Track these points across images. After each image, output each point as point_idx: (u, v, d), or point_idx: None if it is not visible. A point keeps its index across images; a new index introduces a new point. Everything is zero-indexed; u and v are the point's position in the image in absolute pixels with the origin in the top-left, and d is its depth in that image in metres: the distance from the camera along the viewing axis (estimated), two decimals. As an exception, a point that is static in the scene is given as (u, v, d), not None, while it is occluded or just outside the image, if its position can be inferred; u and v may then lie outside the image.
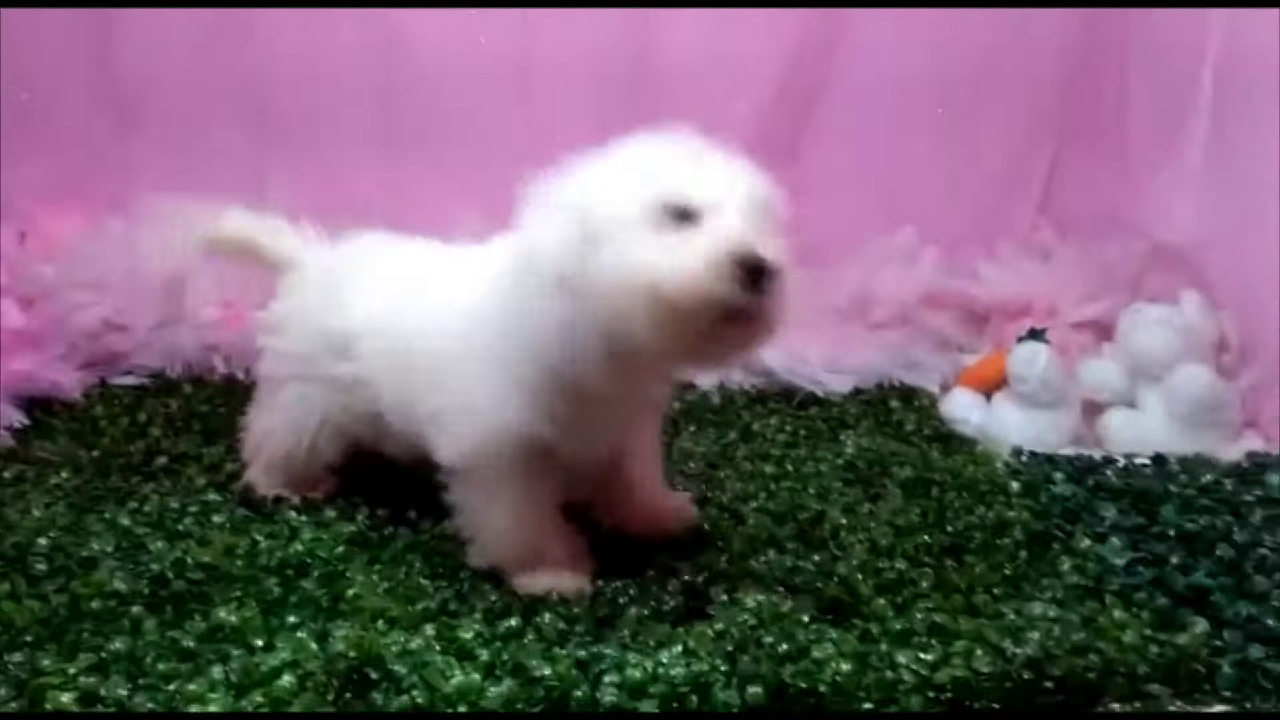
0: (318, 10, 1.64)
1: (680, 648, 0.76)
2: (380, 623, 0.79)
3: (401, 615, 0.81)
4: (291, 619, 0.81)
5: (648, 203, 0.79)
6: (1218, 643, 0.78)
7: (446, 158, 1.73)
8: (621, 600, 0.85)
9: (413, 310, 0.96)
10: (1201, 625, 0.78)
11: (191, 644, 0.78)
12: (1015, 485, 1.09)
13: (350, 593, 0.84)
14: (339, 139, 1.73)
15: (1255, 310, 1.31)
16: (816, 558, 0.93)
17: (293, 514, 1.00)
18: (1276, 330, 1.26)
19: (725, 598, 0.85)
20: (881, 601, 0.84)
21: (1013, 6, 1.65)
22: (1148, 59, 1.58)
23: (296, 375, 1.05)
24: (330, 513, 1.01)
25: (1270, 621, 0.79)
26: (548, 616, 0.81)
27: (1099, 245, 1.64)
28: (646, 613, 0.82)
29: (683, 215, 0.79)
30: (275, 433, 1.06)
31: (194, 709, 0.69)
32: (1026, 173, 1.75)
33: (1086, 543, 0.93)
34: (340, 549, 0.92)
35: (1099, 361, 1.38)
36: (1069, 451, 1.26)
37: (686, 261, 0.76)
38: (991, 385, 1.34)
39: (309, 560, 0.91)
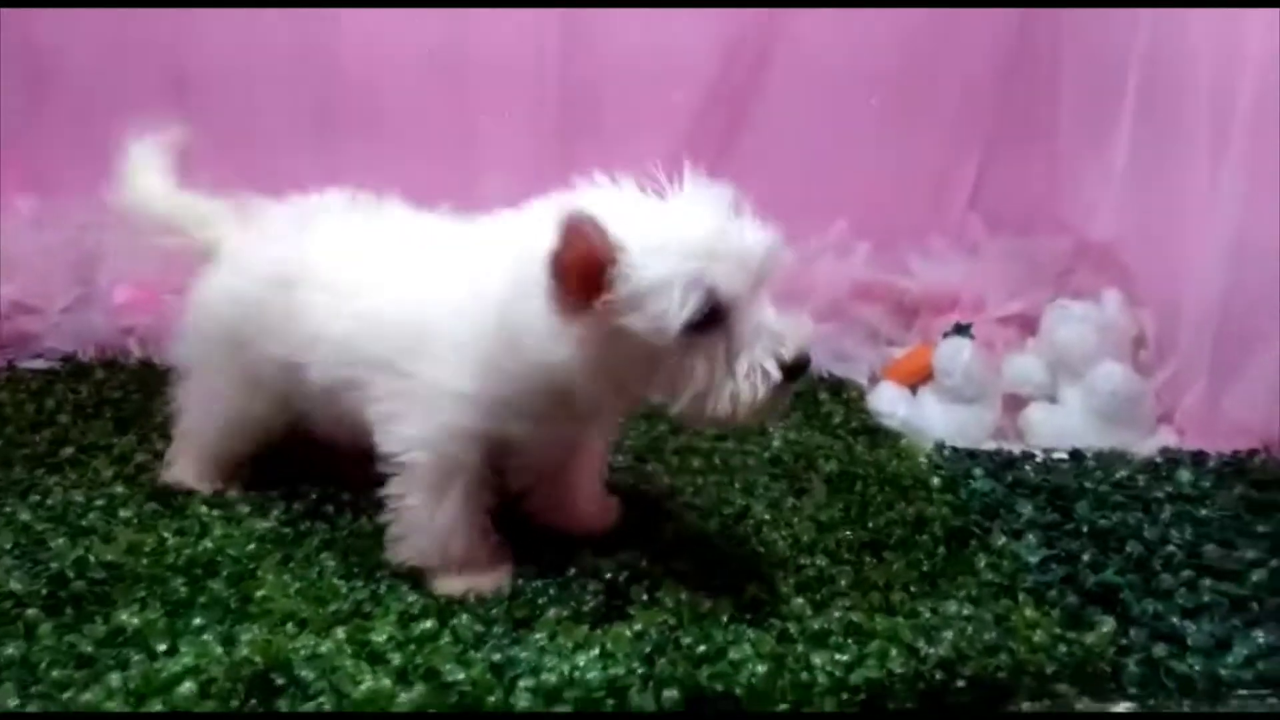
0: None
1: (597, 650, 0.75)
2: (290, 625, 0.78)
3: (312, 617, 0.79)
4: (197, 621, 0.79)
5: (686, 287, 0.74)
6: (1124, 641, 0.79)
7: (379, 156, 1.69)
8: (541, 601, 0.84)
9: (385, 282, 0.89)
10: (1109, 624, 0.79)
11: (90, 649, 0.75)
12: (936, 480, 1.10)
13: (260, 593, 0.82)
14: (267, 136, 1.67)
15: (1172, 308, 1.34)
16: (739, 555, 0.93)
17: (204, 509, 0.97)
18: (1192, 328, 1.29)
19: (646, 597, 0.85)
20: (800, 600, 0.84)
21: (945, 6, 1.66)
22: (1078, 59, 1.60)
23: (223, 350, 0.98)
24: (243, 508, 0.98)
25: (1175, 620, 0.81)
26: (464, 618, 0.80)
27: (1026, 241, 1.66)
28: (565, 614, 0.81)
29: (718, 310, 0.76)
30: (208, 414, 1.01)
31: None
32: (958, 169, 1.77)
33: (1002, 540, 0.95)
34: (252, 547, 0.90)
35: (1022, 356, 1.40)
36: (990, 446, 1.27)
37: (742, 389, 0.75)
38: (917, 379, 1.35)
39: (219, 559, 0.88)
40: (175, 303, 1.49)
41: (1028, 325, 1.51)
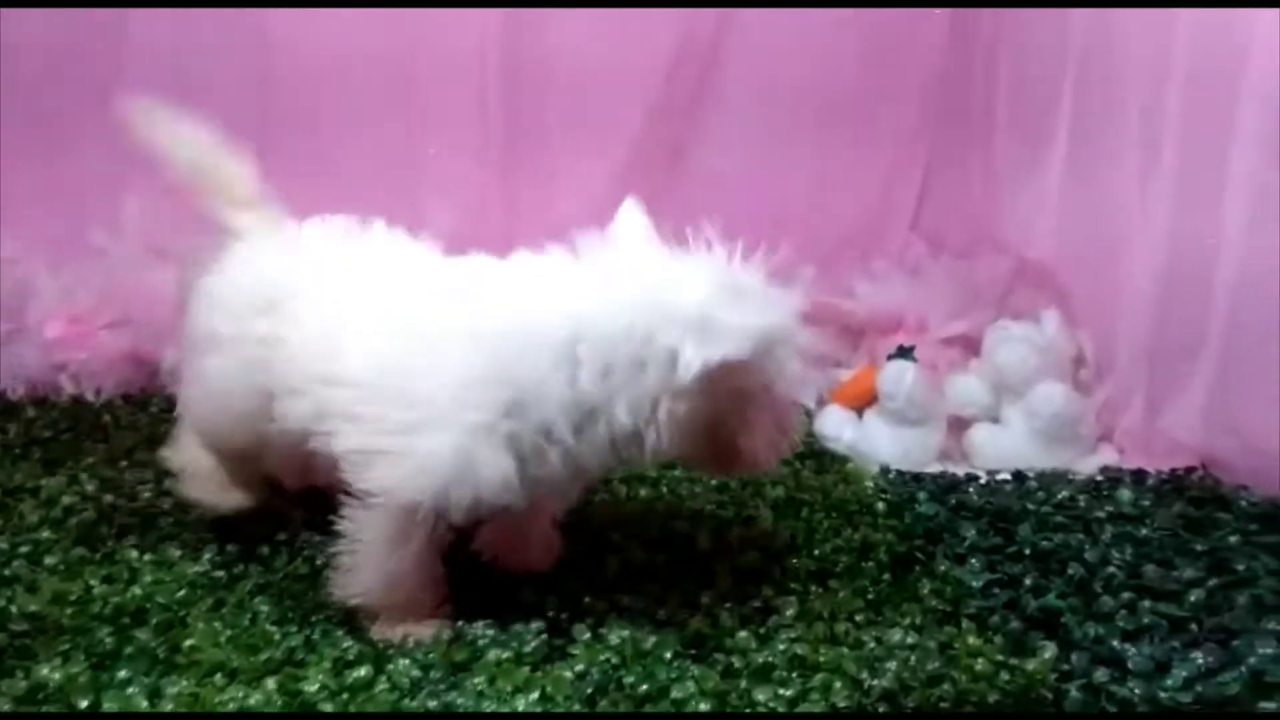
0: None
1: (538, 693, 0.74)
2: (219, 676, 0.75)
3: (243, 666, 0.76)
4: (122, 674, 0.76)
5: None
6: (1066, 666, 0.79)
7: (321, 164, 1.67)
8: (480, 643, 0.82)
9: (405, 317, 0.84)
10: (1050, 650, 0.80)
11: (7, 706, 0.72)
12: (881, 505, 1.10)
13: (188, 643, 0.79)
14: None
15: (1109, 327, 1.36)
16: (684, 587, 0.92)
17: (134, 554, 0.94)
18: (1127, 347, 1.31)
19: (589, 635, 0.83)
20: (745, 633, 0.83)
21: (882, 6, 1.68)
22: (1013, 79, 1.63)
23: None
24: (174, 550, 0.95)
25: (1115, 643, 0.81)
26: (401, 663, 0.78)
27: (968, 262, 1.68)
28: (505, 656, 0.80)
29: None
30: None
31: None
32: (899, 190, 1.79)
33: (945, 565, 0.95)
34: (182, 593, 0.87)
35: (965, 377, 1.41)
36: (935, 468, 1.28)
37: (760, 452, 0.82)
38: (863, 402, 1.36)
39: (147, 606, 0.85)
40: (109, 338, 1.47)
41: (970, 346, 1.52)
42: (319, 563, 0.96)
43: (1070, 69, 1.44)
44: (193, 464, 0.98)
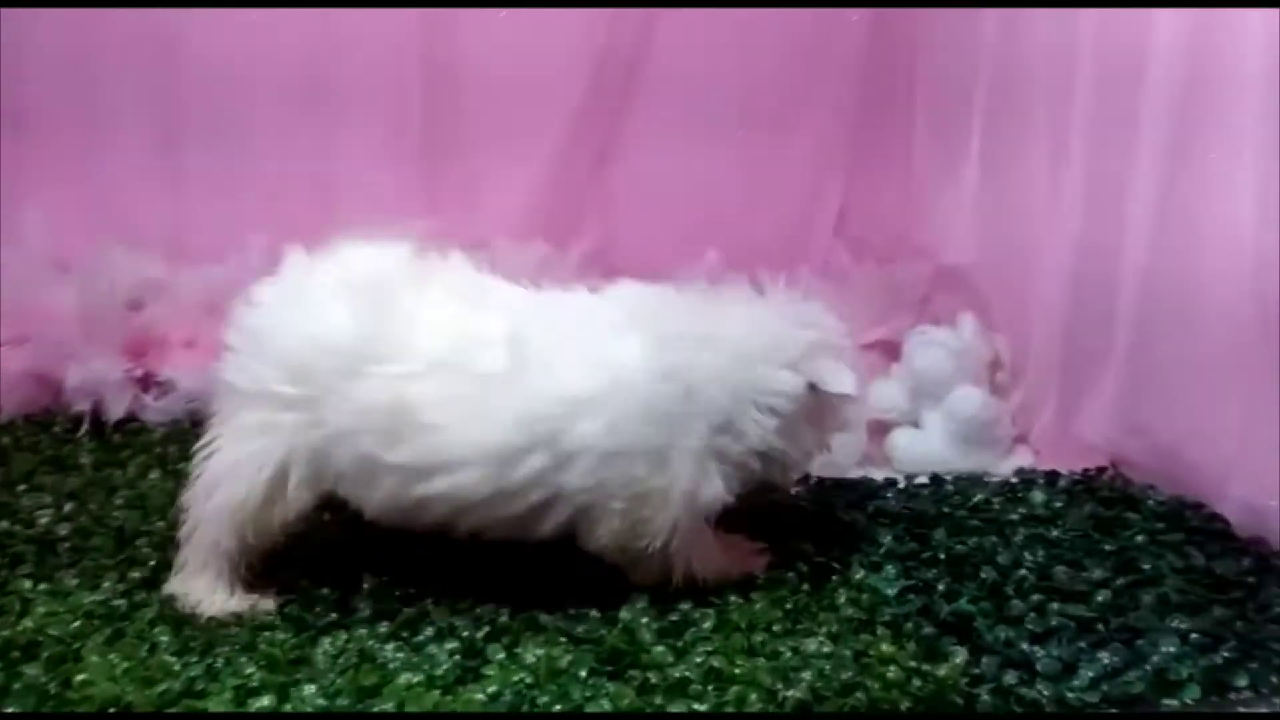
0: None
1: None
2: (111, 711, 0.72)
3: (138, 700, 0.74)
4: (10, 711, 0.72)
5: None
6: (977, 670, 0.80)
7: (231, 172, 1.63)
8: (392, 666, 0.80)
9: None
10: (961, 655, 0.80)
11: (-118, 752, 0.68)
12: (803, 515, 1.10)
13: (80, 678, 0.76)
14: (109, 150, 1.60)
15: (1023, 331, 1.38)
16: (603, 603, 0.91)
17: (27, 584, 0.90)
18: (1040, 350, 1.33)
19: (504, 655, 0.82)
20: (661, 648, 0.83)
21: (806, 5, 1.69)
22: (931, 86, 1.65)
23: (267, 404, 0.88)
24: (71, 580, 0.92)
25: (1024, 645, 0.82)
26: (307, 690, 0.76)
27: (889, 268, 1.70)
28: (417, 680, 0.78)
29: None
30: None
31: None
32: (822, 198, 1.80)
33: (862, 573, 0.95)
34: (77, 624, 0.84)
35: (886, 383, 1.42)
36: (857, 474, 1.29)
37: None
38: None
39: (39, 639, 0.82)
40: (9, 356, 1.41)
41: (891, 351, 1.54)
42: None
43: (982, 76, 1.46)
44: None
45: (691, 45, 1.71)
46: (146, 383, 1.50)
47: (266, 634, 0.86)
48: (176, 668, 0.79)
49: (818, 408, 0.92)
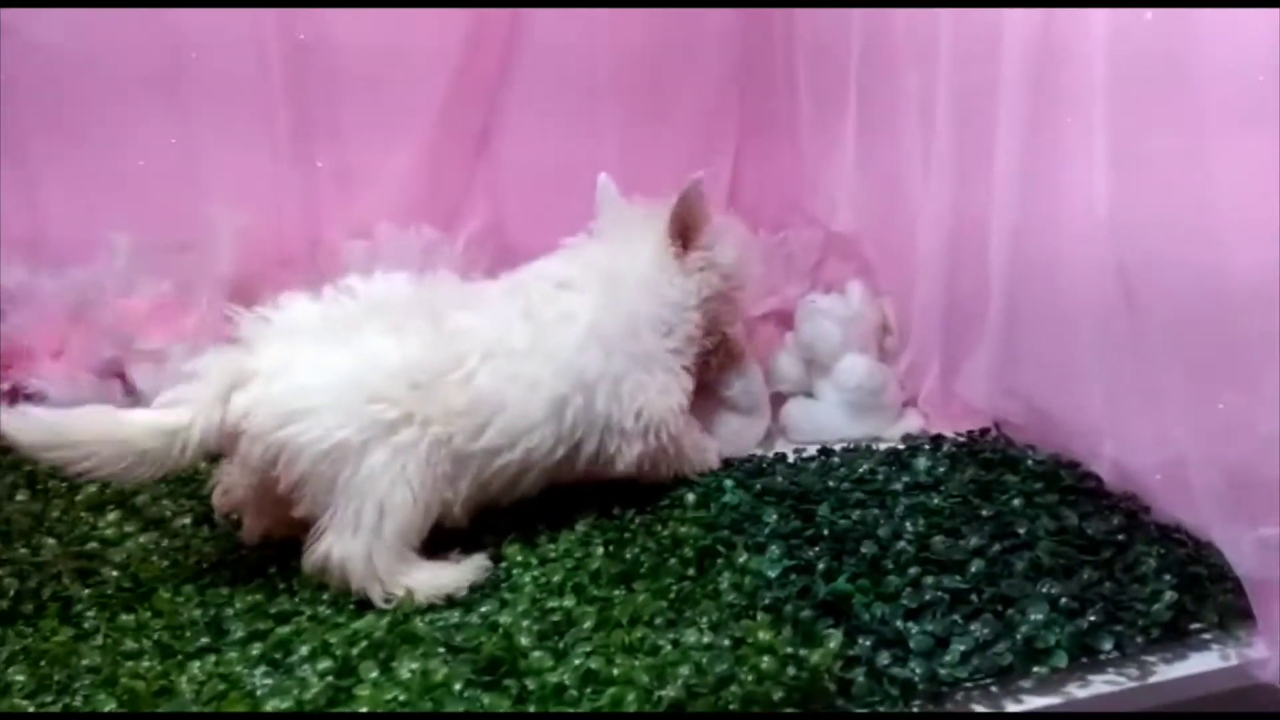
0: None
1: (313, 746, 0.70)
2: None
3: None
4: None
5: None
6: (853, 652, 0.80)
7: (88, 168, 1.55)
8: (260, 692, 0.78)
9: None
10: (836, 638, 0.81)
11: None
12: (691, 497, 1.10)
13: (-81, 736, 0.72)
14: None
15: (908, 294, 1.39)
16: (484, 608, 0.90)
17: None
18: (922, 313, 1.35)
19: (377, 672, 0.80)
20: (539, 653, 0.81)
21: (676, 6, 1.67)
22: (808, 54, 1.64)
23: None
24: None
25: (899, 623, 0.83)
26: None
27: (782, 235, 1.70)
28: (285, 706, 0.75)
29: None
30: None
31: None
32: (714, 166, 1.78)
33: (746, 555, 0.95)
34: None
35: (780, 355, 1.43)
36: (755, 451, 1.30)
37: None
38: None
39: None
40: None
41: (786, 321, 1.54)
42: (88, 623, 0.89)
43: (855, 45, 1.45)
44: None
45: (565, 19, 1.67)
46: (13, 397, 1.43)
47: (130, 664, 0.83)
48: (30, 709, 0.75)
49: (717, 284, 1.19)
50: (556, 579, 0.94)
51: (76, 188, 1.56)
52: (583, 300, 1.09)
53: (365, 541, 0.92)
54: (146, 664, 0.83)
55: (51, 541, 1.06)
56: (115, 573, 0.99)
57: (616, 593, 0.92)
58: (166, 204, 1.56)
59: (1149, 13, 0.92)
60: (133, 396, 1.43)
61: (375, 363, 0.96)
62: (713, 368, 1.26)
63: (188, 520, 1.11)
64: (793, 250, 1.67)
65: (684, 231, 1.18)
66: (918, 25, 1.27)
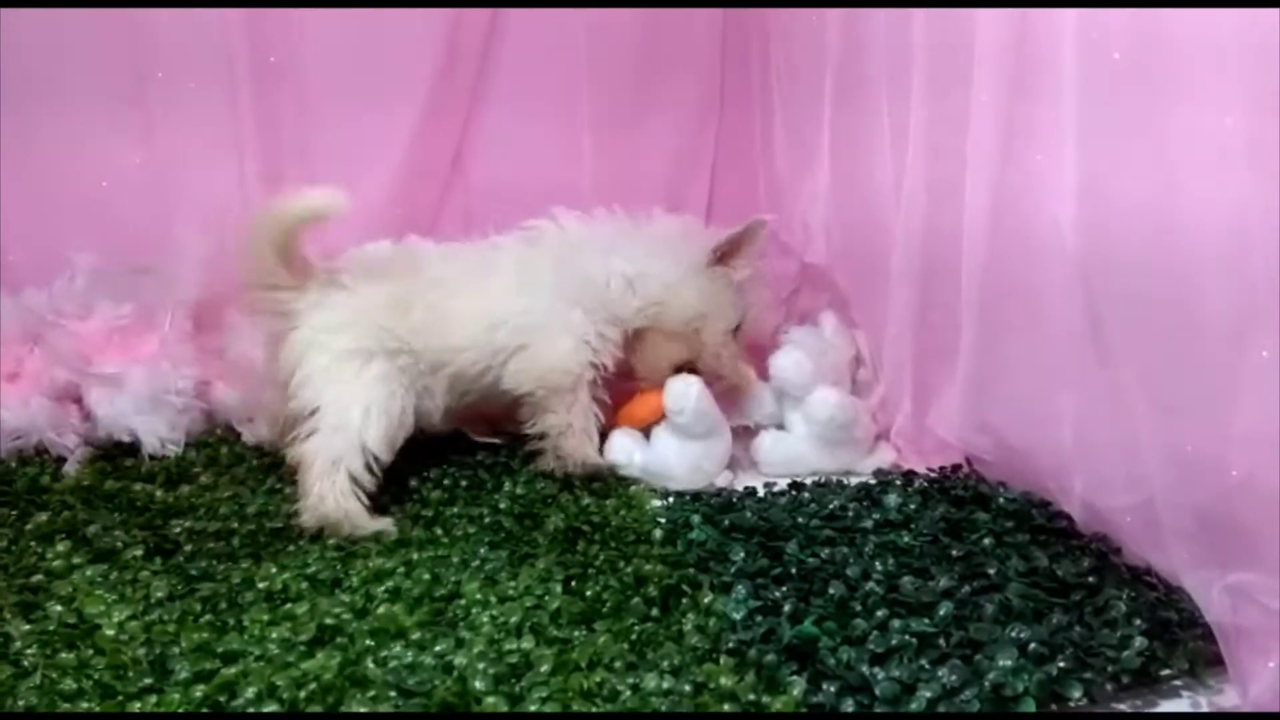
0: None
1: (251, 799, 0.67)
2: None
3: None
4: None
5: None
6: (817, 698, 0.78)
7: (45, 190, 1.54)
8: (196, 738, 0.74)
9: None
10: (800, 685, 0.78)
11: None
12: (658, 533, 1.08)
13: None
14: None
15: (881, 326, 1.38)
16: (439, 648, 0.87)
17: None
18: (893, 346, 1.33)
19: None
20: (494, 698, 0.79)
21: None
22: (785, 79, 1.64)
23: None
24: None
25: (864, 669, 0.81)
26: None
27: (757, 266, 1.68)
28: (227, 753, 0.72)
29: None
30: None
31: None
32: (688, 194, 1.78)
33: (711, 595, 0.93)
34: None
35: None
36: (721, 482, 1.28)
37: None
38: (649, 422, 1.33)
39: None
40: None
41: (761, 353, 1.52)
42: (27, 661, 0.86)
43: (829, 70, 1.45)
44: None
45: (541, 36, 1.66)
46: (-35, 420, 1.39)
47: (67, 705, 0.80)
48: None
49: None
50: (515, 619, 0.91)
51: (36, 207, 1.53)
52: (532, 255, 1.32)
53: (330, 450, 1.17)
54: (85, 705, 0.80)
55: (-6, 573, 1.03)
56: (59, 607, 0.96)
57: (576, 634, 0.89)
58: (129, 225, 1.54)
59: (1117, 53, 0.91)
60: (89, 422, 1.40)
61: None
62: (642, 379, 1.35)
63: (139, 552, 1.08)
64: (768, 280, 1.66)
65: (727, 255, 1.34)
66: (890, 50, 1.26)
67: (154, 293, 1.49)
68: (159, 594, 0.99)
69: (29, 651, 0.88)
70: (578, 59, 1.68)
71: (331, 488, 1.14)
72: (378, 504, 1.18)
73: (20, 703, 0.80)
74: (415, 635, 0.90)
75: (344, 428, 1.18)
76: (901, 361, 1.31)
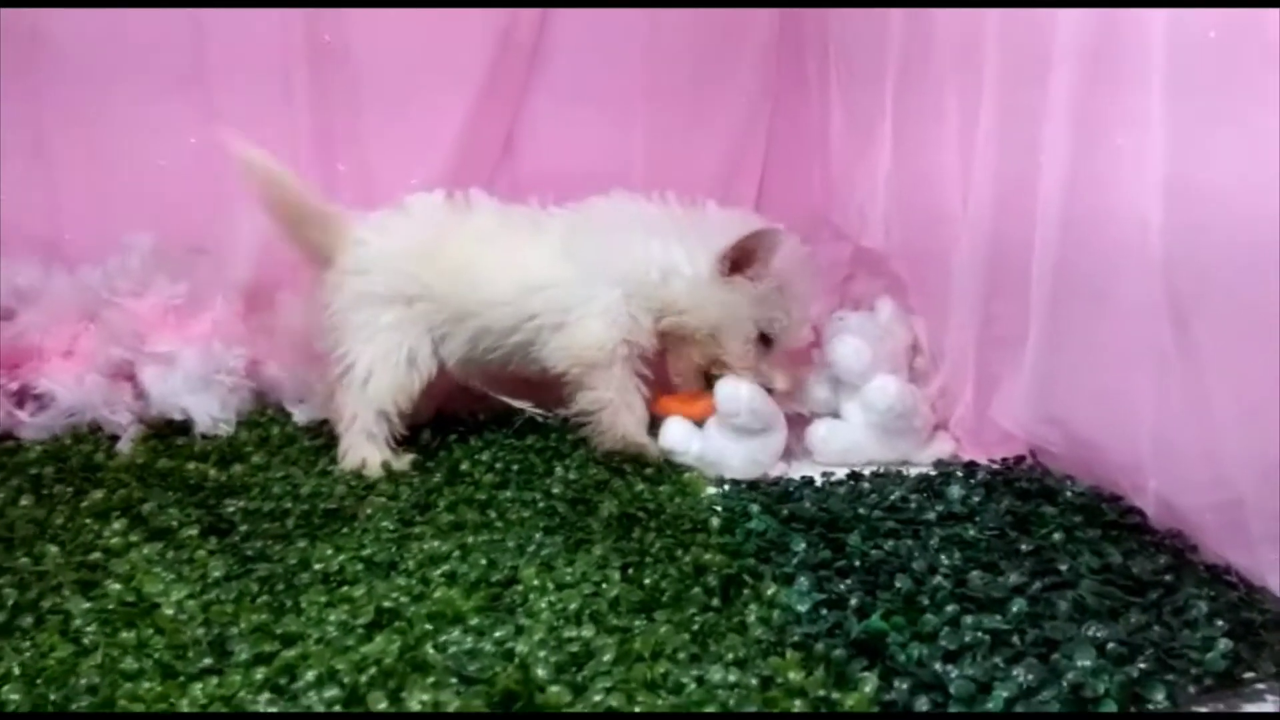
0: None
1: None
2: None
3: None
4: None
5: None
6: (889, 696, 0.76)
7: (106, 167, 1.55)
8: None
9: None
10: (871, 682, 0.76)
11: None
12: (715, 522, 1.06)
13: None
14: None
15: (942, 314, 1.35)
16: (499, 634, 0.86)
17: None
18: (956, 335, 1.30)
19: (386, 704, 0.76)
20: (557, 687, 0.77)
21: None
22: (843, 65, 1.60)
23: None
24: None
25: (937, 666, 0.78)
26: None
27: (810, 250, 1.65)
28: (285, 738, 0.72)
29: None
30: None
31: None
32: (739, 179, 1.75)
33: (774, 587, 0.91)
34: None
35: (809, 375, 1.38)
36: (777, 472, 1.25)
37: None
38: (700, 419, 1.30)
39: None
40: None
41: (813, 336, 1.49)
42: (88, 639, 0.86)
43: (891, 56, 1.41)
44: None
45: (595, 27, 1.64)
46: (21, 397, 1.40)
47: (129, 685, 0.80)
48: (20, 737, 0.71)
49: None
50: (574, 606, 0.90)
51: (95, 187, 1.54)
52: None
53: (356, 399, 1.26)
54: (146, 685, 0.80)
55: (54, 549, 1.03)
56: (117, 586, 0.95)
57: (637, 623, 0.88)
58: (184, 206, 1.54)
59: (1212, 30, 0.87)
60: (142, 400, 1.40)
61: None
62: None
63: (194, 531, 1.07)
64: (821, 265, 1.63)
65: (740, 264, 1.28)
66: (960, 38, 1.23)
67: (207, 273, 1.49)
68: (216, 573, 0.98)
69: (89, 630, 0.88)
70: (631, 50, 1.65)
71: (354, 440, 1.25)
72: (429, 480, 1.21)
73: (83, 681, 0.80)
74: (474, 620, 0.89)
75: (358, 382, 1.25)
76: (964, 351, 1.27)
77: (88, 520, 1.10)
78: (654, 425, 1.31)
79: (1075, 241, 1.07)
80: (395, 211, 1.34)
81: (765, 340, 1.31)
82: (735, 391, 1.24)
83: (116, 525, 1.08)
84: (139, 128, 1.54)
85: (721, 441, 1.27)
